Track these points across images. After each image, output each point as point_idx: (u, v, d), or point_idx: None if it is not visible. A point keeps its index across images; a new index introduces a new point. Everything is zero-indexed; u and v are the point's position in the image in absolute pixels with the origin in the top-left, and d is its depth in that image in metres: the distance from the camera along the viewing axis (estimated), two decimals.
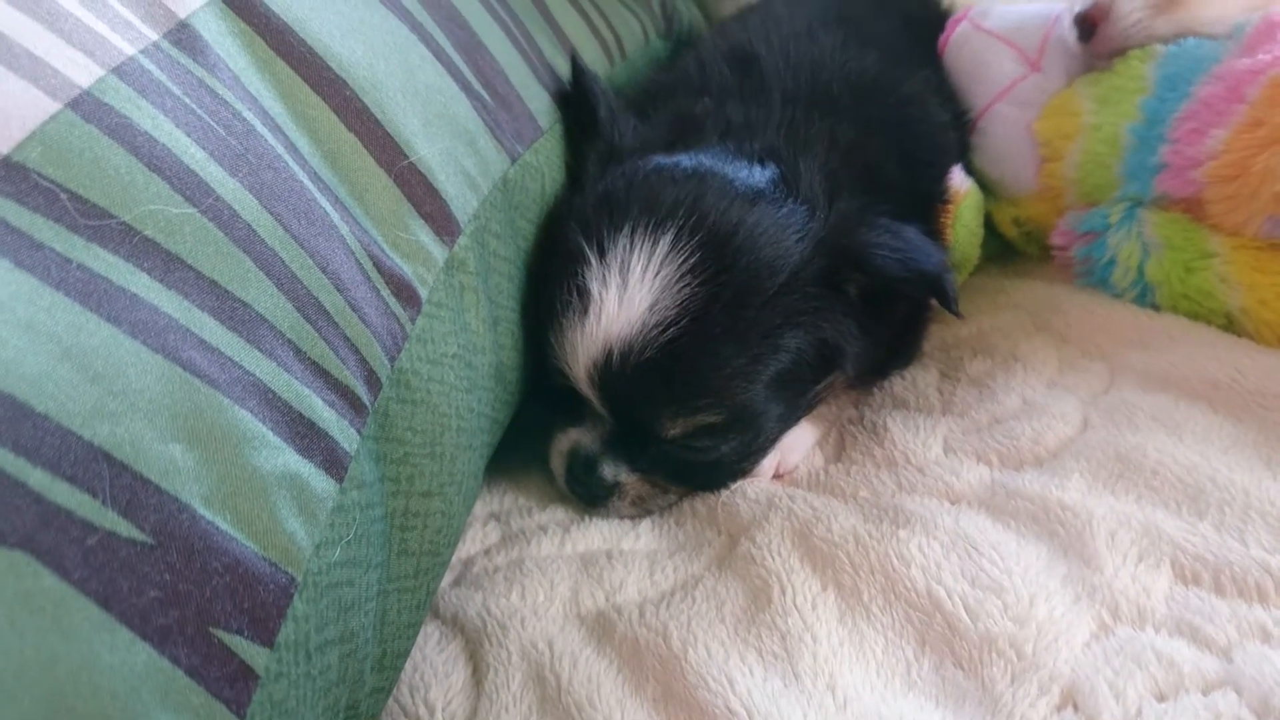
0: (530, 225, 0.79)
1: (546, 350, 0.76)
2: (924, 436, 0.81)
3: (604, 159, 0.83)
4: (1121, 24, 0.91)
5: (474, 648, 0.68)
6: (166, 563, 0.39)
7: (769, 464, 0.82)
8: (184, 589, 0.39)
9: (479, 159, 0.72)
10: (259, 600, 0.43)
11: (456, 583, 0.76)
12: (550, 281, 0.76)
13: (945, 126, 0.95)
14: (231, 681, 0.40)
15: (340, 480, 0.50)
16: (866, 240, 0.75)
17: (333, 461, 0.50)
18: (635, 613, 0.68)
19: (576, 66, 0.88)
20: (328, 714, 0.48)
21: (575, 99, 0.88)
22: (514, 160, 0.77)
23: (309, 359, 0.51)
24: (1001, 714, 0.56)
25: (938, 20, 1.14)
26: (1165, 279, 0.87)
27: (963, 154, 0.99)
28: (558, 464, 0.84)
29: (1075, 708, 0.56)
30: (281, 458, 0.46)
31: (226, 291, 0.47)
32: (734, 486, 0.80)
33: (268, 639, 0.43)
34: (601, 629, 0.68)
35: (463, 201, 0.68)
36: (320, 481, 0.49)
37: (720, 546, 0.75)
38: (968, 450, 0.79)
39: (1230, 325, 0.84)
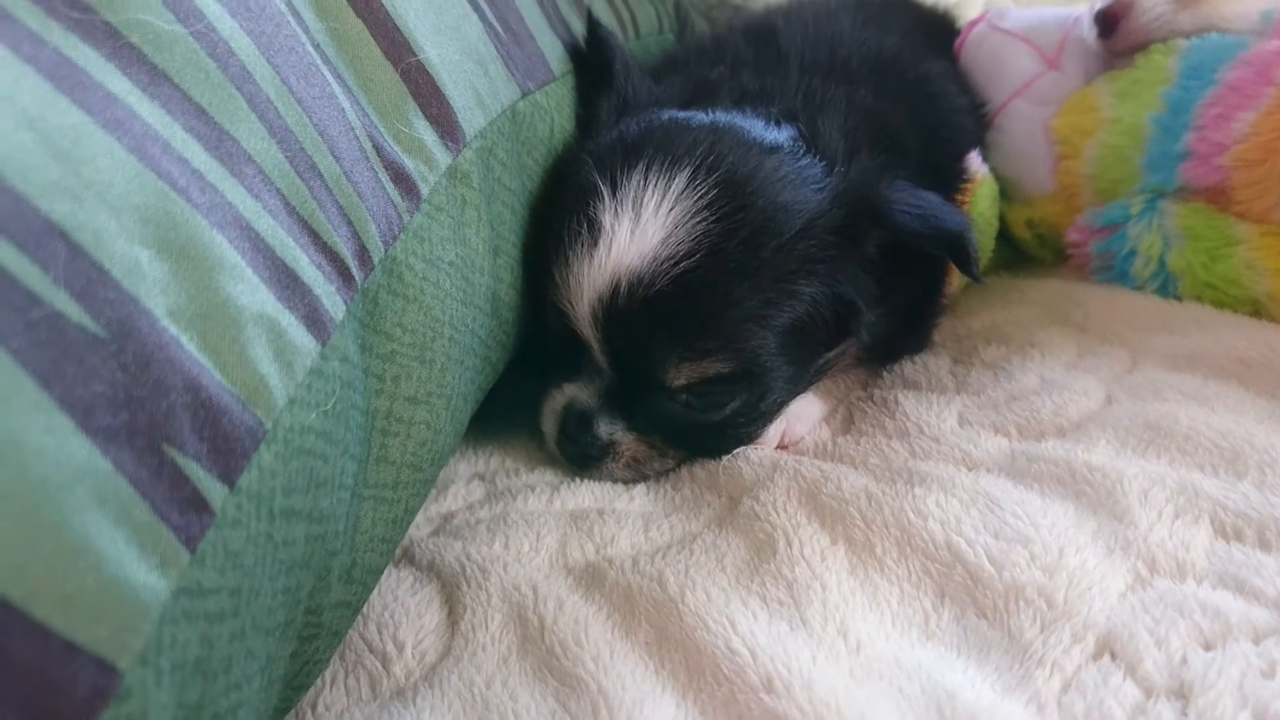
0: (537, 166, 0.76)
1: (549, 288, 0.72)
2: (938, 410, 0.77)
3: (616, 110, 0.81)
4: (1143, 19, 0.90)
5: (450, 590, 0.63)
6: (119, 362, 0.34)
7: (774, 432, 0.77)
8: (137, 395, 0.35)
9: (489, 81, 0.69)
10: (221, 432, 0.38)
11: (435, 533, 0.71)
12: (557, 218, 0.72)
13: (963, 110, 0.93)
14: (182, 509, 0.35)
15: (322, 343, 0.46)
16: (887, 195, 0.72)
17: (315, 321, 0.46)
18: (628, 563, 0.63)
19: (592, 22, 0.87)
20: (287, 599, 0.43)
21: (589, 57, 0.86)
22: (524, 94, 0.74)
23: (297, 213, 0.47)
24: (1031, 661, 0.51)
25: (951, 29, 1.13)
26: (1188, 268, 0.84)
27: (979, 142, 0.97)
28: (549, 424, 0.79)
29: (1113, 656, 0.51)
30: (259, 296, 0.42)
31: (213, 120, 0.44)
32: (736, 452, 0.75)
33: (228, 477, 0.38)
34: (590, 578, 0.63)
35: (469, 114, 0.65)
36: (300, 335, 0.44)
37: (721, 507, 0.70)
38: (984, 423, 0.74)
39: (1257, 313, 0.81)
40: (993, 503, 0.62)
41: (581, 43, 0.87)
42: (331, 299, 0.47)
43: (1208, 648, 0.50)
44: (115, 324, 0.35)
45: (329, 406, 0.46)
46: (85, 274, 0.34)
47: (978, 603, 0.56)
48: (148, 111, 0.40)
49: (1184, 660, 0.49)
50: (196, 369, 0.37)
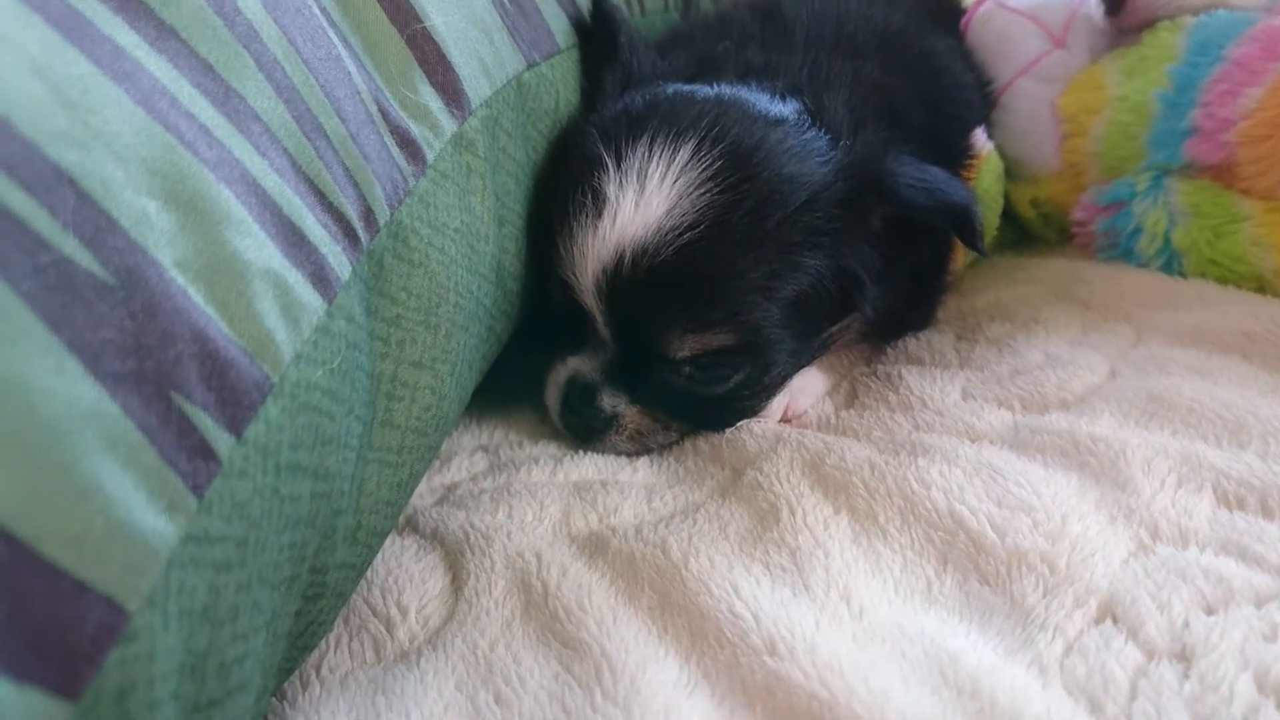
0: (542, 138, 0.76)
1: (553, 260, 0.72)
2: (941, 385, 0.77)
3: (621, 83, 0.81)
4: None
5: (454, 558, 0.63)
6: (128, 309, 0.35)
7: (777, 405, 0.77)
8: (145, 342, 0.35)
9: (494, 51, 0.69)
10: (228, 383, 0.38)
11: (439, 503, 0.71)
12: (561, 189, 0.72)
13: (969, 86, 0.93)
14: (189, 456, 0.36)
15: (329, 301, 0.46)
16: (892, 169, 0.72)
17: (321, 279, 0.46)
18: (631, 531, 0.63)
19: None
20: (292, 555, 0.43)
21: (594, 32, 0.86)
22: (530, 65, 0.74)
23: (303, 173, 0.47)
24: (1034, 626, 0.51)
25: (957, 9, 1.13)
26: (1193, 245, 0.84)
27: (985, 120, 0.97)
28: (553, 397, 0.79)
29: (1115, 620, 0.51)
30: (265, 252, 0.42)
31: (220, 77, 0.44)
32: (739, 425, 0.75)
33: (235, 428, 0.38)
34: (594, 546, 0.63)
35: (475, 83, 0.65)
36: (306, 292, 0.44)
37: (724, 479, 0.70)
38: (988, 397, 0.74)
39: (1261, 289, 0.81)
40: (996, 472, 0.62)
41: (586, 16, 0.86)
42: (338, 259, 0.48)
43: (1210, 612, 0.50)
44: (124, 272, 0.35)
45: (335, 365, 0.46)
46: (94, 221, 0.35)
47: (980, 569, 0.56)
48: (155, 65, 0.40)
49: (1186, 624, 0.49)
50: (204, 320, 0.38)
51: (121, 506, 0.32)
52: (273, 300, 0.42)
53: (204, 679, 0.36)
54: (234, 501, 0.38)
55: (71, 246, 0.33)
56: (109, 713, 0.31)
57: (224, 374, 0.38)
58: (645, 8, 1.04)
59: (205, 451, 0.36)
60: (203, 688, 0.36)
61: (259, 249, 0.42)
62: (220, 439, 0.37)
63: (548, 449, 0.78)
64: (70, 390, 0.31)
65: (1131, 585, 0.52)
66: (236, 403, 0.38)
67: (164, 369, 0.35)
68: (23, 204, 0.32)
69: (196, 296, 0.38)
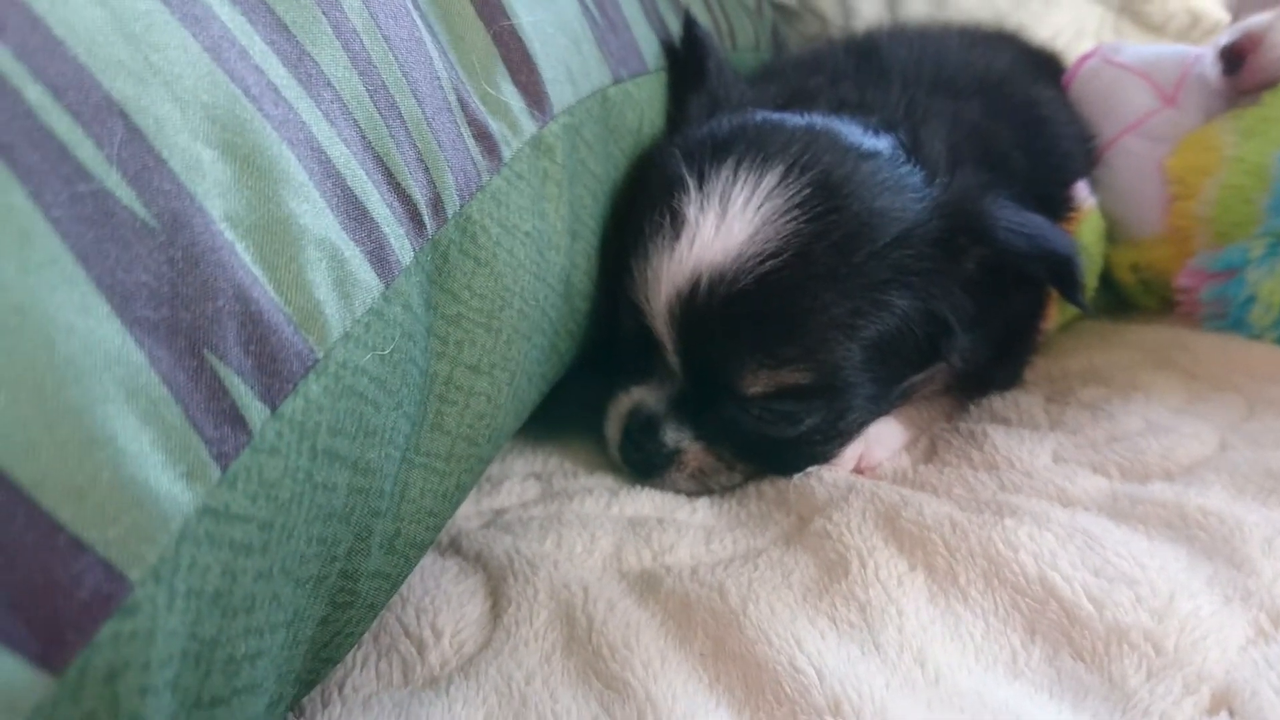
0: (624, 156, 0.73)
1: (625, 283, 0.69)
2: (1030, 446, 0.71)
3: (707, 109, 0.78)
4: (1273, 54, 0.85)
5: (496, 583, 0.59)
6: (167, 255, 0.32)
7: (851, 453, 0.72)
8: (183, 292, 0.32)
9: (581, 60, 0.66)
10: (269, 350, 0.35)
11: (485, 526, 0.67)
12: (639, 210, 0.69)
13: (1073, 138, 0.88)
14: (217, 421, 0.32)
15: (386, 284, 0.43)
16: (991, 211, 0.68)
17: (380, 259, 0.43)
18: (686, 572, 0.59)
19: (689, 20, 0.84)
20: (321, 551, 0.40)
21: (684, 56, 0.83)
22: (616, 81, 0.71)
23: (372, 148, 0.44)
24: (1135, 711, 0.45)
25: (1059, 65, 1.09)
26: None
27: (1087, 174, 0.92)
28: (613, 428, 0.75)
29: (1231, 713, 0.44)
30: (323, 220, 0.39)
31: (295, 38, 0.42)
32: (808, 471, 0.70)
33: (271, 399, 0.35)
34: (645, 584, 0.59)
35: (559, 88, 0.62)
36: (363, 269, 0.41)
37: (789, 526, 0.66)
38: (1082, 461, 0.68)
39: None
40: (1092, 540, 0.56)
41: (677, 41, 0.84)
42: (400, 241, 0.45)
43: None
44: (168, 215, 0.32)
45: (386, 352, 0.43)
46: (141, 159, 0.32)
47: (1074, 643, 0.50)
48: (228, 15, 0.38)
49: None
50: (249, 279, 0.35)
51: (134, 463, 0.29)
52: (325, 271, 0.39)
53: (209, 671, 0.32)
54: (262, 480, 0.34)
55: (114, 180, 0.31)
56: (95, 695, 0.27)
57: (264, 339, 0.35)
58: (737, 43, 1.02)
59: (235, 420, 0.33)
60: (206, 681, 0.32)
61: (316, 216, 0.39)
62: (253, 409, 0.34)
63: (603, 481, 0.74)
64: (94, 331, 0.29)
65: (1251, 675, 0.46)
66: (275, 372, 0.35)
67: (200, 324, 0.32)
68: (67, 129, 0.30)
69: (244, 254, 0.35)
